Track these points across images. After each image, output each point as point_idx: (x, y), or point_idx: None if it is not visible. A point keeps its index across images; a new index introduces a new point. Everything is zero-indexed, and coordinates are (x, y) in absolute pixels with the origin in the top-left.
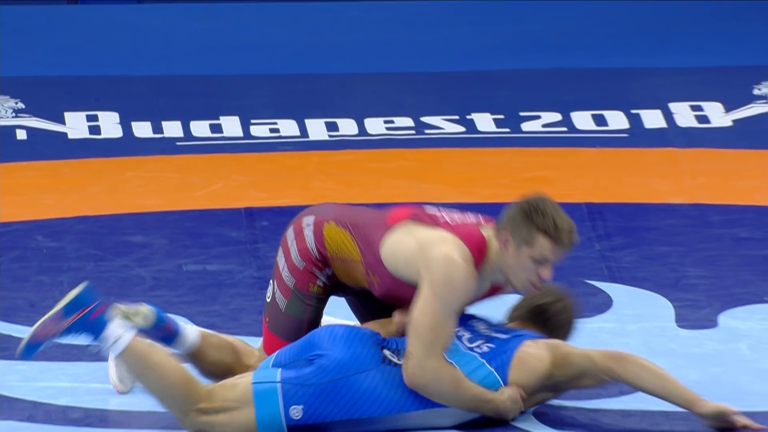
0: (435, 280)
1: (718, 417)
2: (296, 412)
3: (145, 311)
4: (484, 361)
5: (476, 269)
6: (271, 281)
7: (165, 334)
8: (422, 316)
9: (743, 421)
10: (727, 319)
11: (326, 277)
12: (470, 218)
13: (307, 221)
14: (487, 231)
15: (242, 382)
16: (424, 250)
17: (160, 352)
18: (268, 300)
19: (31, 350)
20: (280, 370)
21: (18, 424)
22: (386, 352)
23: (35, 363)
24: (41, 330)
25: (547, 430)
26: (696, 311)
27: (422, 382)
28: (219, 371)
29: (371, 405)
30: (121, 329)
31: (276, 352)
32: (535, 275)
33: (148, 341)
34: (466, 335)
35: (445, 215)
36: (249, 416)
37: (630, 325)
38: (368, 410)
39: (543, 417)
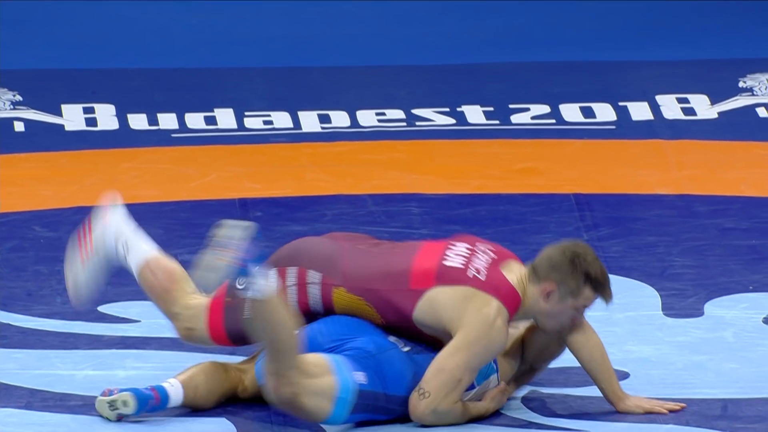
0: (473, 335)
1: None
2: (361, 377)
3: (126, 397)
4: None
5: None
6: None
7: (154, 405)
8: (450, 363)
9: (667, 407)
10: (713, 307)
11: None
12: (493, 260)
13: (313, 278)
14: (517, 280)
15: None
16: (466, 303)
17: (284, 311)
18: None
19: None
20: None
21: (16, 411)
22: (391, 338)
23: (32, 351)
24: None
25: (537, 416)
26: (682, 300)
27: (429, 421)
28: (219, 399)
29: (401, 384)
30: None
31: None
32: (569, 321)
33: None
34: None
35: (472, 265)
36: (330, 382)
37: (617, 314)
38: (400, 389)
39: (533, 404)
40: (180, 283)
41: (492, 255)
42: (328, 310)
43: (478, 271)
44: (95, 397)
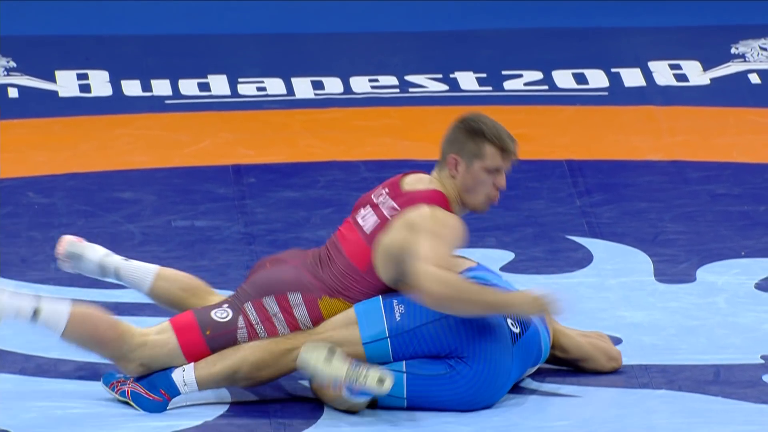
0: (429, 226)
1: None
2: (400, 308)
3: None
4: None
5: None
6: (231, 305)
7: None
8: (430, 252)
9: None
10: (705, 273)
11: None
12: (395, 192)
13: (295, 300)
14: (428, 180)
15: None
16: (403, 224)
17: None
18: (222, 318)
19: None
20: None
21: (10, 376)
22: None
23: None
24: None
25: (530, 382)
26: (674, 266)
27: (436, 292)
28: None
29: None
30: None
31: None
32: (492, 188)
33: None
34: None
35: (384, 212)
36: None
37: (610, 280)
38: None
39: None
40: (117, 325)
41: (389, 189)
42: (317, 323)
43: (392, 209)
44: (89, 363)
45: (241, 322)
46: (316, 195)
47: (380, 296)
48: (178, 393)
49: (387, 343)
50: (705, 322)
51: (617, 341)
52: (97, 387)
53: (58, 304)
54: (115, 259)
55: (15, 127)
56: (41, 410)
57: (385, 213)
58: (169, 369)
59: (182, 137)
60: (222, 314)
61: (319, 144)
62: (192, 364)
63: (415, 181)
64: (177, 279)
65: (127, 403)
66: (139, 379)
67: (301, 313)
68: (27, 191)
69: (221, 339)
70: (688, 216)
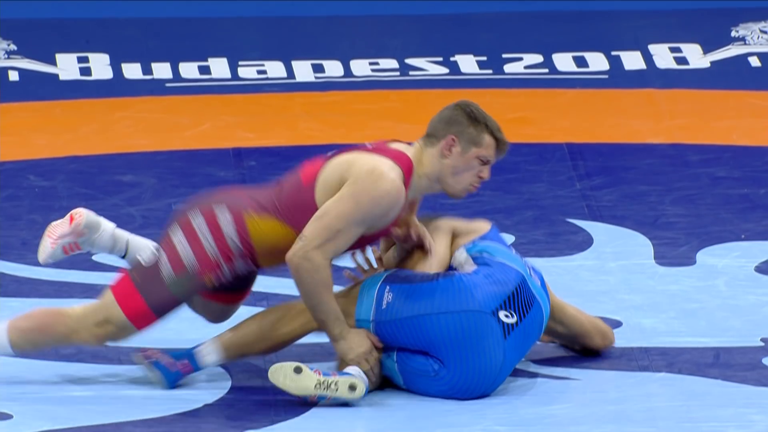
0: (360, 185)
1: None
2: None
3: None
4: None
5: (405, 188)
6: (157, 245)
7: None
8: (333, 209)
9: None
10: (705, 256)
11: (228, 273)
12: (378, 142)
13: (225, 218)
14: (405, 147)
15: None
16: (351, 165)
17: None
18: (144, 262)
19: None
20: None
21: (10, 359)
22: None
23: (27, 300)
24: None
25: (531, 365)
26: (674, 249)
27: (301, 267)
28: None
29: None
30: None
31: None
32: (476, 177)
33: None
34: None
35: (358, 147)
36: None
37: (610, 263)
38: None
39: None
40: (53, 312)
41: (373, 143)
42: (246, 244)
43: (363, 145)
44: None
45: (160, 256)
46: None
47: (383, 276)
48: (197, 365)
49: (371, 327)
50: (705, 305)
51: (617, 324)
52: (97, 370)
53: None
54: (124, 233)
55: (15, 111)
56: (42, 393)
57: (360, 145)
58: (197, 346)
59: (183, 120)
60: (145, 254)
61: (320, 127)
62: (210, 342)
63: (394, 142)
64: None
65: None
66: (171, 353)
67: (229, 231)
68: (28, 174)
69: (148, 280)
70: (688, 199)
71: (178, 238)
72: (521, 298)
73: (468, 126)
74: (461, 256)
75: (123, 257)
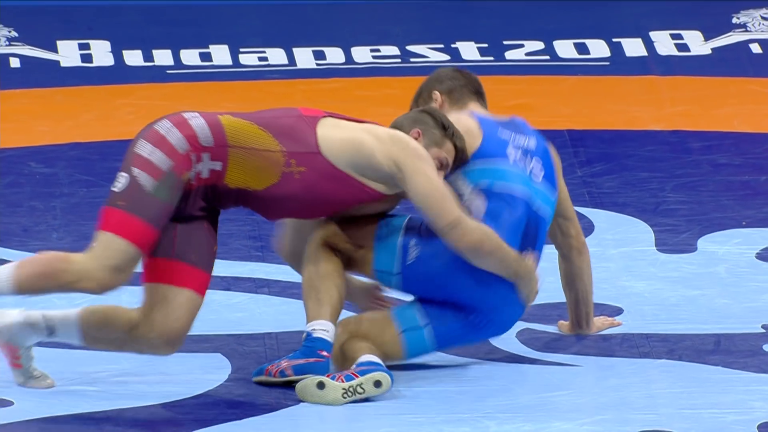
0: (410, 152)
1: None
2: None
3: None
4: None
5: None
6: (120, 173)
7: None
8: (434, 191)
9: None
10: (706, 243)
11: (205, 170)
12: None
13: (191, 115)
14: None
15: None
16: (396, 142)
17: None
18: (119, 188)
19: None
20: None
21: None
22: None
23: None
24: None
25: (531, 351)
26: (675, 236)
27: (473, 243)
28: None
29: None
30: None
31: None
32: None
33: None
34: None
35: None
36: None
37: (611, 250)
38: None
39: (527, 340)
40: (61, 257)
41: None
42: (217, 137)
43: (336, 114)
44: None
45: (130, 173)
46: None
47: (401, 227)
48: (330, 344)
49: (395, 279)
50: (706, 292)
51: (618, 311)
52: (97, 357)
53: None
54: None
55: (17, 97)
56: None
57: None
58: (307, 334)
59: (184, 107)
60: (118, 183)
61: None
62: (318, 321)
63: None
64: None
65: (291, 381)
66: (290, 357)
67: (198, 123)
68: (29, 161)
69: (132, 198)
70: (689, 186)
71: (147, 149)
72: (533, 231)
73: (434, 127)
74: (465, 187)
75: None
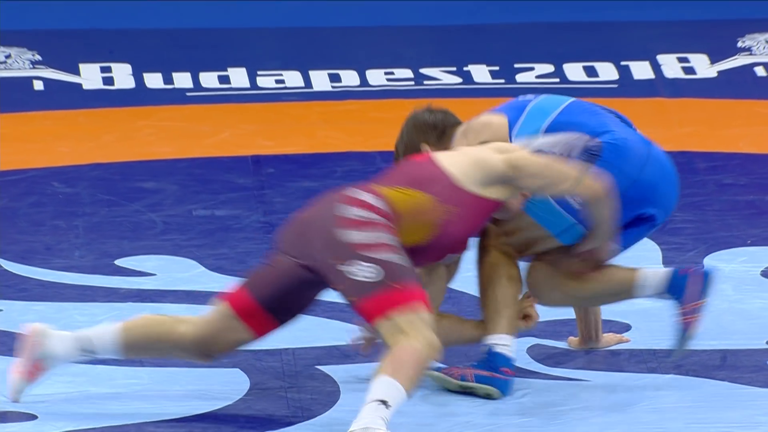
0: (519, 150)
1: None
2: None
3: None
4: None
5: None
6: (356, 266)
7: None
8: (545, 164)
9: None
10: (712, 261)
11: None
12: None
13: (359, 192)
14: None
15: None
16: (492, 148)
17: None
18: (374, 277)
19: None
20: None
21: None
22: None
23: (52, 303)
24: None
25: (540, 366)
26: (682, 254)
27: (604, 183)
28: None
29: None
30: None
31: None
32: None
33: None
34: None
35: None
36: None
37: None
38: None
39: (536, 355)
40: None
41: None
42: (389, 211)
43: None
44: None
45: (369, 254)
46: (334, 184)
47: (542, 198)
48: (511, 361)
49: (578, 228)
50: (712, 309)
51: (627, 327)
52: (119, 372)
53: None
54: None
55: (40, 119)
56: (65, 394)
57: None
58: (489, 348)
59: (203, 128)
60: (365, 272)
61: (337, 135)
62: (498, 335)
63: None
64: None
65: (469, 389)
66: (474, 365)
67: (371, 198)
68: (52, 181)
69: (391, 272)
70: (696, 205)
71: (356, 233)
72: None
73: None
74: (532, 141)
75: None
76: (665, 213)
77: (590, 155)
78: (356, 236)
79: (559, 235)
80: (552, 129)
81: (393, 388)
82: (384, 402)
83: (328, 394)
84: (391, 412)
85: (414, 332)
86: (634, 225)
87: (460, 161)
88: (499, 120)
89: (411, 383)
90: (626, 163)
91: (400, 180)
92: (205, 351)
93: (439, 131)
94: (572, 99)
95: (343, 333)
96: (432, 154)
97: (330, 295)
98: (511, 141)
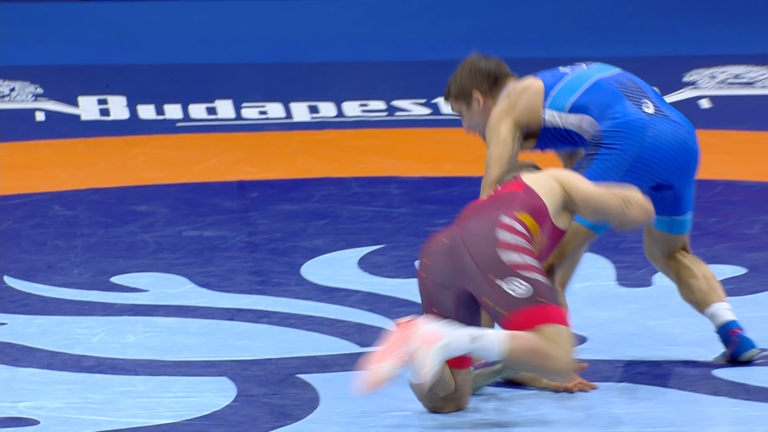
0: (579, 179)
1: None
2: None
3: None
4: None
5: None
6: (510, 282)
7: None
8: (600, 193)
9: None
10: (661, 278)
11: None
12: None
13: (502, 215)
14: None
15: None
16: (554, 177)
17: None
18: (523, 293)
19: None
20: None
21: (38, 371)
22: None
23: (53, 317)
24: None
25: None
26: (634, 272)
27: (647, 205)
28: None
29: None
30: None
31: None
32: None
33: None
34: None
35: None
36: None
37: (576, 284)
38: None
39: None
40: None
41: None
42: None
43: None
44: (109, 358)
45: (527, 274)
46: (312, 208)
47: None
48: None
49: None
50: (662, 322)
51: (583, 339)
52: (114, 379)
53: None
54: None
55: (42, 148)
56: (66, 400)
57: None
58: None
59: (192, 156)
60: (514, 286)
61: (315, 162)
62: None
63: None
64: None
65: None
66: None
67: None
68: (53, 205)
69: (543, 292)
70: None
71: (513, 255)
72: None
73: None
74: (558, 119)
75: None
76: (681, 178)
77: (594, 145)
78: (513, 258)
79: (594, 228)
80: (573, 110)
81: (499, 337)
82: (478, 337)
83: (308, 401)
84: (477, 345)
85: (559, 343)
86: (658, 193)
87: (549, 194)
88: (538, 85)
89: (517, 354)
90: (625, 142)
91: (526, 208)
92: None
93: (491, 80)
94: (602, 75)
95: (323, 344)
96: (526, 184)
97: (310, 309)
98: (544, 110)
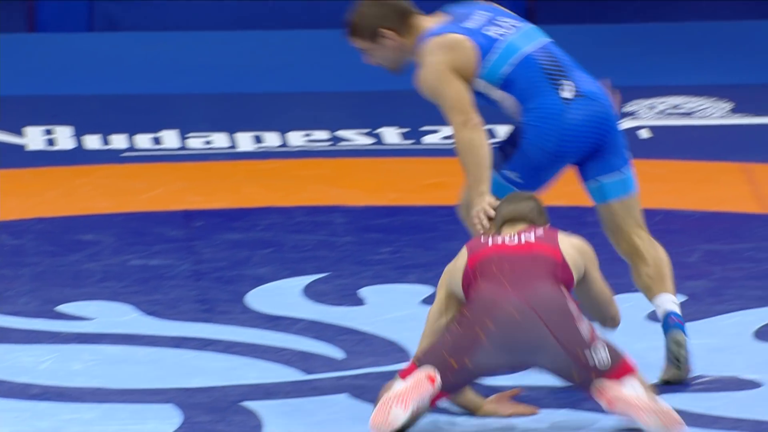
0: (595, 262)
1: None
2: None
3: None
4: None
5: None
6: (591, 351)
7: None
8: (605, 287)
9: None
10: None
11: None
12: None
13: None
14: None
15: None
16: (580, 251)
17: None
18: (604, 360)
19: None
20: None
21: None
22: None
23: (1, 345)
24: None
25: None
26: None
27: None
28: None
29: None
30: None
31: None
32: None
33: None
34: None
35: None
36: None
37: None
38: None
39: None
40: None
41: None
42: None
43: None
44: (54, 386)
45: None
46: (257, 236)
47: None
48: None
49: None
50: (651, 344)
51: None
52: (62, 407)
53: None
54: None
55: None
56: (12, 428)
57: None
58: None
59: (138, 185)
60: (599, 356)
61: (260, 191)
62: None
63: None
64: None
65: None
66: None
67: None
68: None
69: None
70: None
71: (584, 325)
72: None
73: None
74: (494, 92)
75: None
76: (599, 146)
77: (515, 135)
78: (585, 327)
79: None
80: (502, 86)
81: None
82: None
83: (252, 428)
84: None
85: (645, 386)
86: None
87: (576, 271)
88: (470, 45)
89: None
90: (545, 140)
91: (563, 282)
92: None
93: (400, 15)
94: (530, 48)
95: (267, 372)
96: (564, 258)
97: (254, 337)
98: (477, 78)
